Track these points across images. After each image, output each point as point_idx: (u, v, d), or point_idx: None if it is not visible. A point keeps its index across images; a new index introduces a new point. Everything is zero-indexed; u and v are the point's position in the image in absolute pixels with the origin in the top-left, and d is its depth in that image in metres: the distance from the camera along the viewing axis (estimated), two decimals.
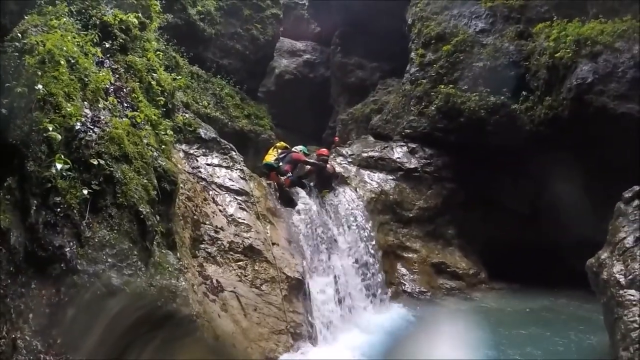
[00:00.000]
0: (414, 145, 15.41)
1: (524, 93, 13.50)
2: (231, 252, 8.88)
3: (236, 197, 9.99)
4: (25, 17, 6.25)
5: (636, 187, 8.39)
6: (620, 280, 7.53)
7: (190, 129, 10.69)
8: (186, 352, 4.99)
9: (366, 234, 12.57)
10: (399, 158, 15.20)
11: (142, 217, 5.30)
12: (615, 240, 8.17)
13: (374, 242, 12.75)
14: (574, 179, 12.10)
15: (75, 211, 4.86)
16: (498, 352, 9.25)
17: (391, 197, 14.29)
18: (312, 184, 12.79)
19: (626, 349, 6.82)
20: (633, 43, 11.31)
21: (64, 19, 7.05)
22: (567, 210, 12.10)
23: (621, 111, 11.18)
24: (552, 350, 9.30)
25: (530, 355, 9.09)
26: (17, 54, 5.60)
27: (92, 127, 5.70)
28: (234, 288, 8.38)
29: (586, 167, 12.02)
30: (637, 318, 6.91)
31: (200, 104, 14.67)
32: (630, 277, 7.40)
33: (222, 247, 8.81)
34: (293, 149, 12.58)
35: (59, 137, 5.14)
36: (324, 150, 13.55)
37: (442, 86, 15.02)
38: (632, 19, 11.59)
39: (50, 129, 5.11)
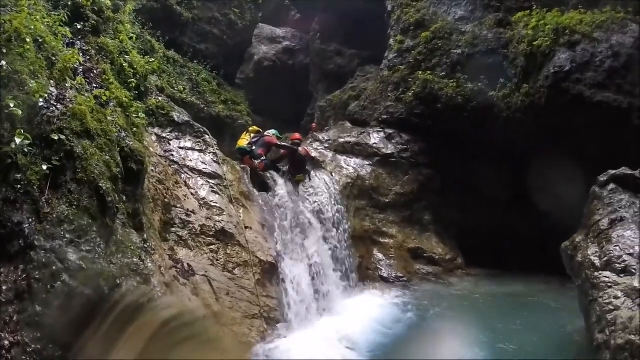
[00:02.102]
0: (390, 131, 15.43)
1: (501, 80, 13.52)
2: (203, 236, 8.77)
3: (209, 180, 9.86)
4: None
5: (611, 171, 8.45)
6: (595, 262, 7.52)
7: (164, 112, 10.54)
8: (146, 332, 4.91)
9: (341, 218, 12.52)
10: (375, 144, 15.19)
11: (102, 192, 5.17)
12: (590, 223, 8.19)
13: (348, 227, 12.72)
14: (551, 166, 12.18)
15: (35, 187, 4.76)
16: (470, 336, 9.22)
17: (367, 182, 14.28)
18: (286, 168, 12.68)
19: (602, 331, 6.76)
20: (611, 34, 11.40)
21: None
22: (544, 197, 12.22)
23: (598, 100, 11.24)
24: (525, 334, 9.33)
25: (504, 340, 9.09)
26: None
27: (55, 104, 5.59)
28: (206, 272, 8.28)
29: (563, 154, 12.08)
30: (612, 300, 6.86)
31: (176, 88, 14.47)
32: (605, 259, 7.39)
33: (194, 230, 8.69)
34: (265, 133, 12.46)
35: (20, 113, 5.04)
36: (297, 135, 13.44)
37: (420, 72, 15.06)
38: (612, 10, 11.67)
39: (12, 105, 5.01)
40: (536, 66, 12.40)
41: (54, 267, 4.42)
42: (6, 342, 4.10)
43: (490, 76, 13.79)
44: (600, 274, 7.34)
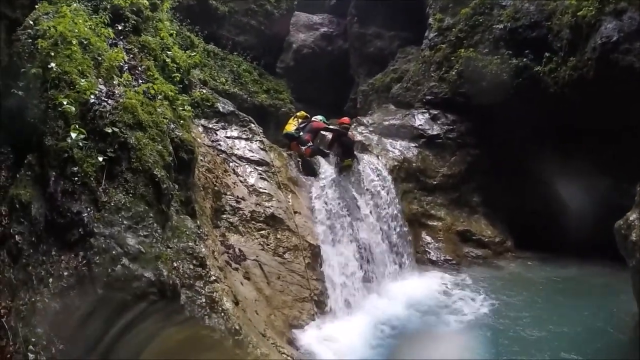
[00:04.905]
0: (435, 112, 15.22)
1: (547, 54, 13.10)
2: (253, 222, 8.95)
3: (256, 167, 10.03)
4: (36, 7, 6.41)
5: None
6: None
7: (208, 104, 10.77)
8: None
9: (390, 202, 12.49)
10: (420, 125, 15.02)
11: (157, 180, 5.37)
12: None
13: (398, 210, 12.68)
14: (600, 144, 11.81)
15: (92, 178, 5.00)
16: (519, 323, 9.21)
17: (414, 164, 14.16)
18: (333, 153, 12.68)
19: None
20: None
21: (75, 5, 7.19)
22: (594, 176, 11.82)
23: None
24: (577, 319, 9.20)
25: (555, 325, 9.00)
26: (30, 40, 5.78)
27: (106, 99, 5.81)
28: (257, 257, 8.45)
29: (613, 130, 11.71)
30: None
31: (218, 80, 14.70)
32: None
33: (244, 216, 8.88)
34: (313, 119, 12.50)
35: (73, 109, 5.31)
36: (345, 119, 13.36)
37: (462, 50, 14.79)
38: None
39: (65, 103, 5.28)
40: (582, 37, 11.93)
41: (113, 252, 4.64)
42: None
43: (535, 50, 13.37)
44: None
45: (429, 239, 13.40)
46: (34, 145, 5.28)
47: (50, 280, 4.39)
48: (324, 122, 12.57)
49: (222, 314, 5.36)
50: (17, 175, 5.13)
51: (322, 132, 12.65)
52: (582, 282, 11.58)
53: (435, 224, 13.75)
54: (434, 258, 12.97)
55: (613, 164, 11.55)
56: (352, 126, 14.75)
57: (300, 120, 12.30)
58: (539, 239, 13.29)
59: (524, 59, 13.57)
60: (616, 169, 11.33)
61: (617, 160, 11.33)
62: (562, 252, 12.88)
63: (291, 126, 12.10)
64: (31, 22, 6.10)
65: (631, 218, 7.92)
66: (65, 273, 4.44)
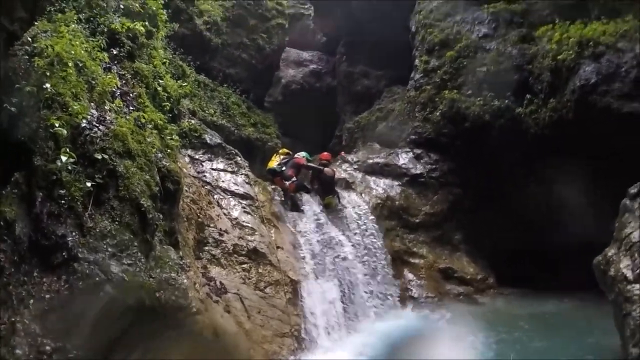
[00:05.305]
0: (419, 151, 15.38)
1: (528, 96, 13.43)
2: (235, 255, 8.95)
3: (241, 201, 10.07)
4: (35, 24, 6.46)
5: None
6: (628, 275, 7.39)
7: (196, 135, 10.84)
8: (183, 347, 5.05)
9: (373, 239, 12.53)
10: (404, 164, 15.16)
11: (143, 209, 5.43)
12: (621, 236, 8.03)
13: (381, 247, 12.72)
14: (582, 181, 11.96)
15: (78, 203, 5.02)
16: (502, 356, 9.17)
17: (397, 202, 14.25)
18: (314, 191, 12.75)
19: (636, 344, 6.68)
20: (635, 42, 11.24)
21: (73, 26, 7.24)
22: (576, 213, 11.92)
23: (626, 110, 11.09)
24: (569, 354, 9.19)
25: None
26: (27, 57, 5.81)
27: (97, 125, 5.85)
28: (238, 290, 8.42)
29: (593, 168, 11.88)
30: None
31: (207, 111, 14.76)
32: (638, 271, 7.24)
33: (227, 249, 8.88)
34: (296, 155, 12.62)
35: (65, 132, 5.33)
36: (325, 155, 13.49)
37: (447, 92, 15.06)
38: (634, 19, 11.53)
39: (57, 125, 5.30)
40: (562, 80, 12.31)
41: (97, 279, 4.65)
42: (48, 348, 4.31)
43: (517, 93, 13.69)
44: (632, 287, 7.22)
45: (411, 276, 13.35)
46: (23, 163, 5.26)
47: (31, 301, 4.35)
48: (306, 158, 12.70)
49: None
50: (3, 192, 5.10)
51: (302, 168, 12.73)
52: (566, 316, 11.61)
53: (417, 261, 13.71)
54: (416, 295, 12.89)
55: (593, 201, 11.64)
56: (337, 163, 14.90)
57: (282, 157, 12.41)
58: (520, 275, 13.34)
59: (506, 101, 13.84)
60: (596, 207, 11.40)
61: (596, 198, 11.44)
62: (544, 287, 12.91)
63: (274, 162, 12.22)
64: (29, 39, 6.14)
65: (609, 253, 8.12)
66: (47, 295, 4.41)
